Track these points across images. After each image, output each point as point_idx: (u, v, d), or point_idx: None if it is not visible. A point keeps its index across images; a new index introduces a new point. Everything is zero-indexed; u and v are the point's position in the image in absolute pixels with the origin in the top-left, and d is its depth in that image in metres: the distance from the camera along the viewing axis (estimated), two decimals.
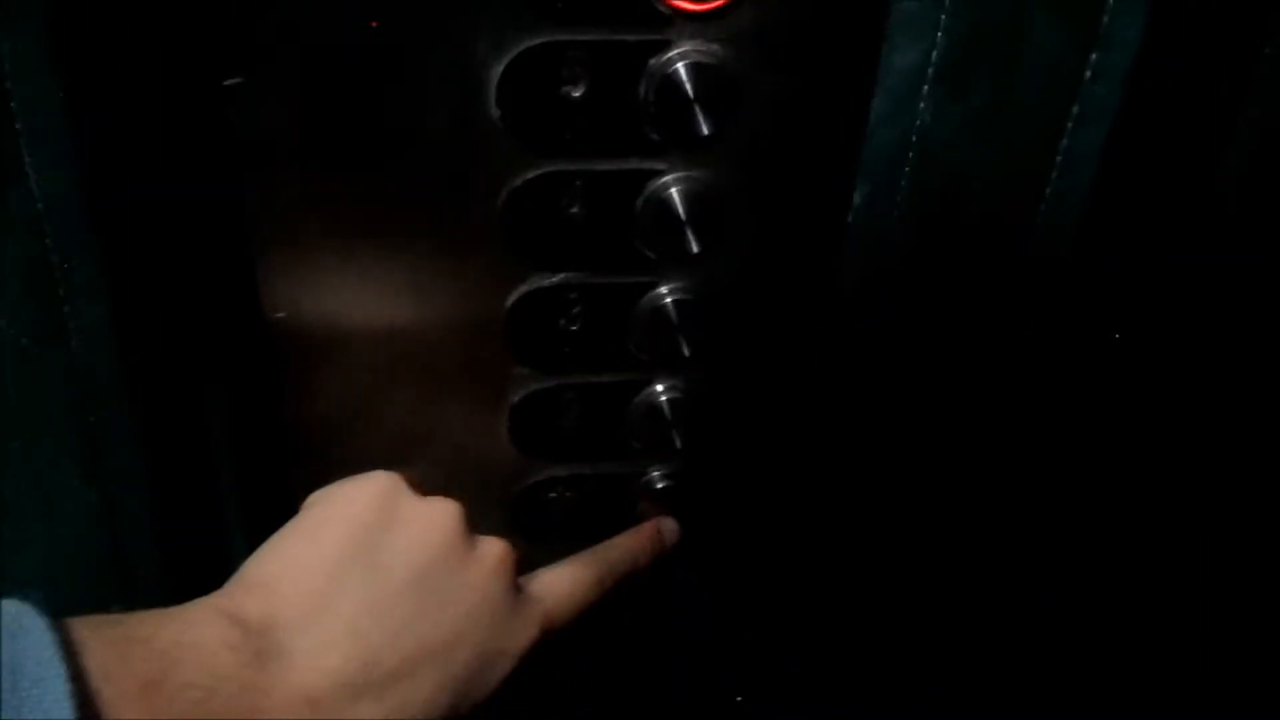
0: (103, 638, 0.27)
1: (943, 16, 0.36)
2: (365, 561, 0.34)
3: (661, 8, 0.35)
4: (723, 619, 0.52)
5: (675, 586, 0.48)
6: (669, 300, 0.41)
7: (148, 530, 0.41)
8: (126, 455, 0.39)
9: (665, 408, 0.44)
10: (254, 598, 0.32)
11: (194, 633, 0.29)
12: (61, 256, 0.35)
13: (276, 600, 0.32)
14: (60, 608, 0.27)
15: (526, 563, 0.47)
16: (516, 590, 0.37)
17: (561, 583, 0.40)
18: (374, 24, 0.34)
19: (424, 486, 0.38)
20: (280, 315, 0.40)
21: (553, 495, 0.46)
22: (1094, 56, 0.37)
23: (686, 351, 0.41)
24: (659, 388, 0.44)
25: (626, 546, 0.44)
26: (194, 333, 0.40)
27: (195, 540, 0.43)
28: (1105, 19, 0.36)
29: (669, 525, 0.46)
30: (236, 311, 0.40)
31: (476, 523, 0.46)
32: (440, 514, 0.36)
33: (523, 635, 0.37)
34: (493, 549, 0.37)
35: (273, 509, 0.44)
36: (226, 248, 0.38)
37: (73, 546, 0.40)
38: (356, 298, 0.40)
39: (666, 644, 0.53)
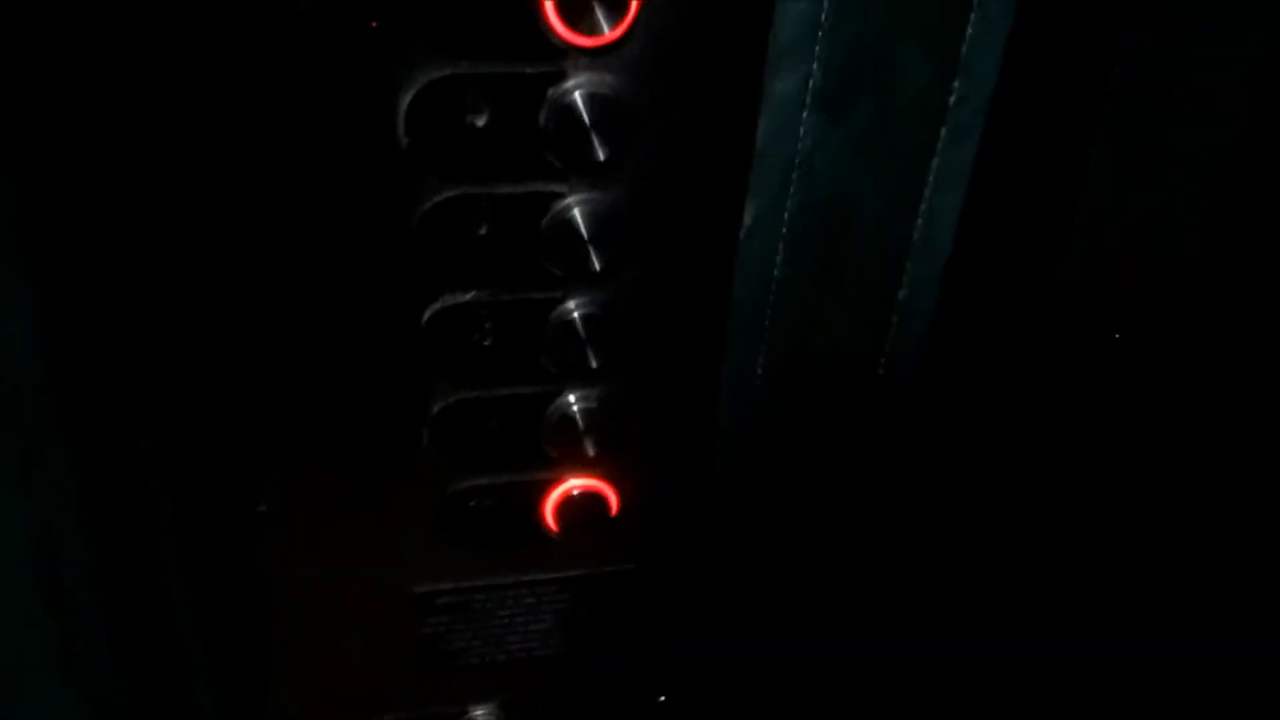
0: None
1: (817, 47, 0.39)
2: None
3: (557, 42, 0.37)
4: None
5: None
6: (576, 315, 0.43)
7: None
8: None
9: (578, 416, 0.46)
10: None
11: None
12: None
13: None
14: None
15: (456, 569, 0.50)
16: None
17: None
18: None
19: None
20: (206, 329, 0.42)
21: (473, 504, 0.49)
22: (957, 83, 0.40)
23: (594, 363, 0.44)
24: (570, 398, 0.46)
25: None
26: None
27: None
28: (964, 49, 0.40)
29: None
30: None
31: (403, 534, 0.49)
32: None
33: None
34: None
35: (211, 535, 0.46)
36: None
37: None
38: (277, 316, 0.42)
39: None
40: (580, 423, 0.46)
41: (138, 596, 0.48)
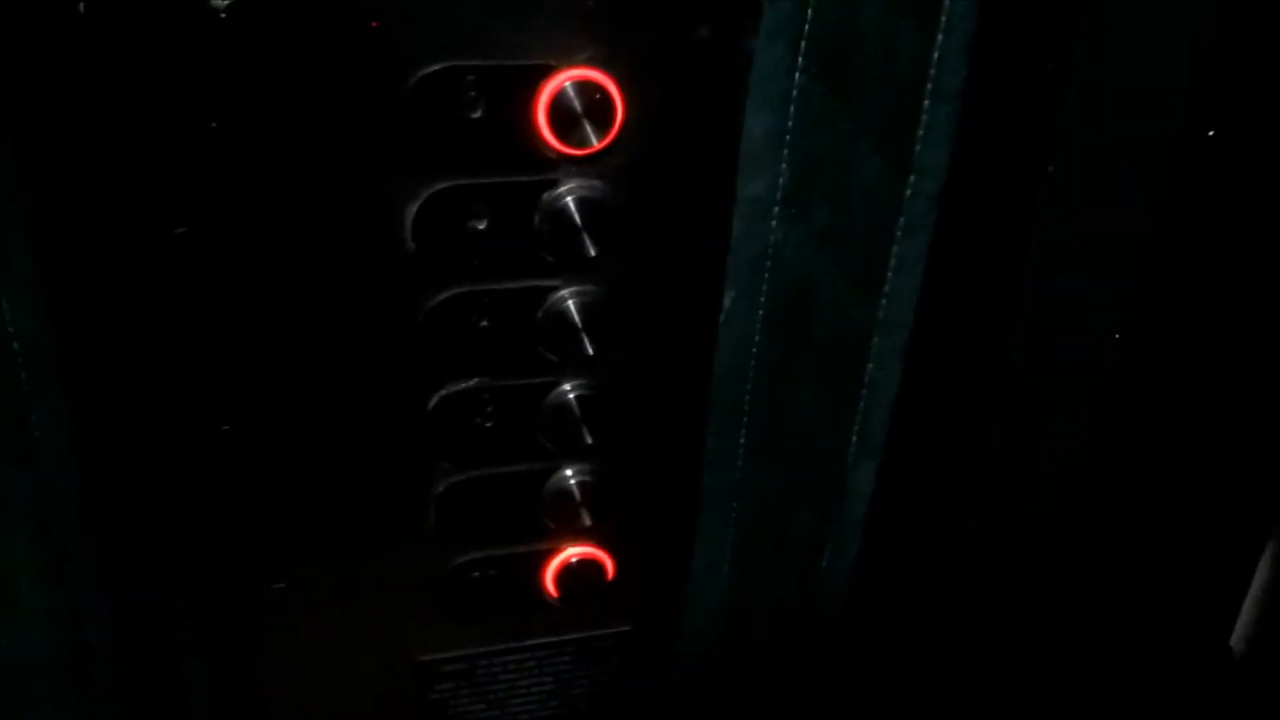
0: None
1: (785, 151, 0.43)
2: None
3: (550, 154, 0.41)
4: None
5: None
6: (571, 396, 0.47)
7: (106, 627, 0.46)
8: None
9: (574, 490, 0.49)
10: None
11: None
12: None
13: None
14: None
15: (460, 637, 0.53)
16: None
17: None
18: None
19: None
20: (226, 428, 0.45)
21: (475, 575, 0.52)
22: (911, 178, 0.45)
23: (589, 440, 0.48)
24: (567, 472, 0.50)
25: None
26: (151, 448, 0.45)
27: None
28: (917, 149, 0.44)
29: None
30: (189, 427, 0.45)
31: (409, 606, 0.52)
32: None
33: None
34: None
35: (224, 610, 0.49)
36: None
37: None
38: (294, 401, 0.45)
39: None
40: (576, 495, 0.50)
41: (155, 672, 0.50)
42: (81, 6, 0.35)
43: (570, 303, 0.45)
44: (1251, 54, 0.46)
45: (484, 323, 0.45)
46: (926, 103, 0.43)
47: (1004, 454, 0.52)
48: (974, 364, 0.49)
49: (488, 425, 0.47)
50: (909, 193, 0.45)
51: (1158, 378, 0.52)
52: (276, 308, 0.43)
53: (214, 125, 0.38)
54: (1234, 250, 0.50)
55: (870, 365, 0.48)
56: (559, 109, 0.40)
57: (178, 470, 0.46)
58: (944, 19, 0.41)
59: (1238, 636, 0.60)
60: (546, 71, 0.40)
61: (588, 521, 0.50)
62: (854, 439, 0.50)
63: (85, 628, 0.47)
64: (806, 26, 0.41)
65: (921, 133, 0.44)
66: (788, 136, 0.43)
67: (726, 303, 0.46)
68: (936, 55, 0.42)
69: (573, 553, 0.52)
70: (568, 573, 0.52)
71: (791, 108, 0.42)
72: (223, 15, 0.37)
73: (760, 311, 0.46)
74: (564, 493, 0.50)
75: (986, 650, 0.58)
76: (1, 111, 0.36)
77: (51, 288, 0.40)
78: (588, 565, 0.52)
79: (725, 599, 0.55)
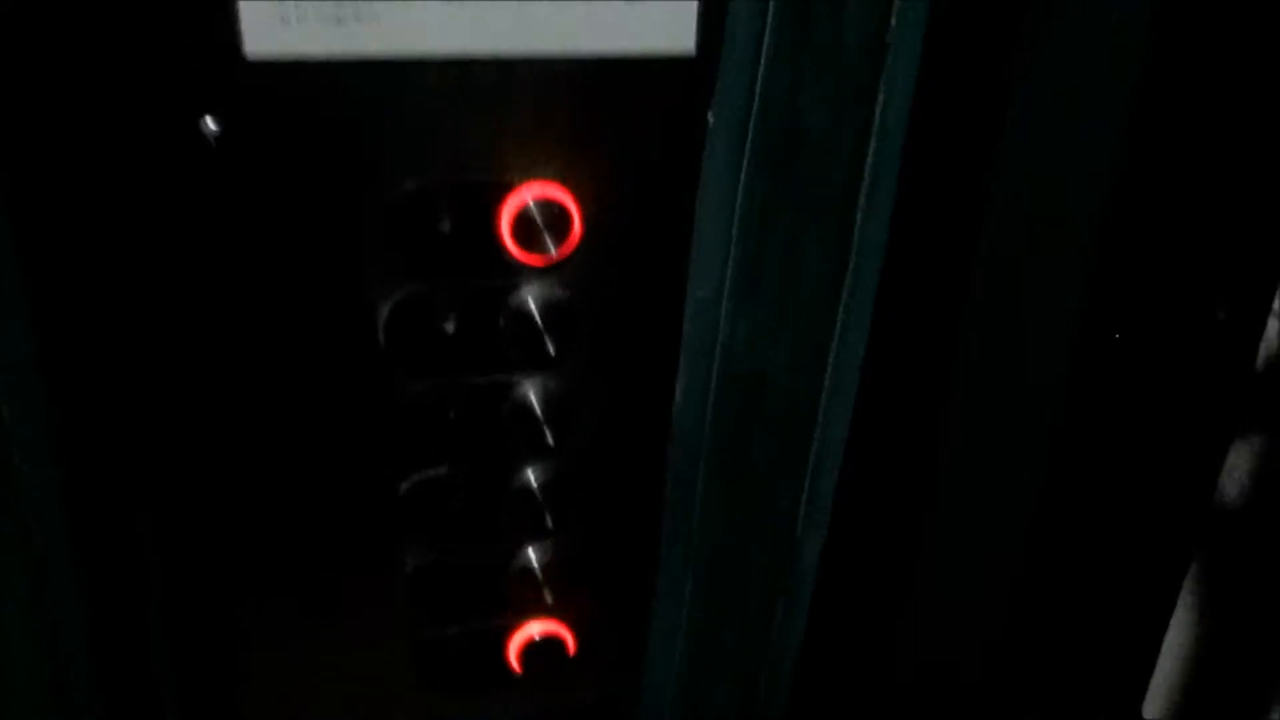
0: None
1: (732, 250, 0.47)
2: None
3: (513, 262, 0.45)
4: None
5: None
6: (534, 482, 0.50)
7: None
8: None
9: (536, 571, 0.52)
10: None
11: None
12: None
13: None
14: None
15: (429, 709, 0.55)
16: None
17: None
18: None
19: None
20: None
21: (443, 649, 0.54)
22: (849, 269, 0.48)
23: (550, 523, 0.50)
24: (530, 553, 0.52)
25: None
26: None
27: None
28: (856, 239, 0.48)
29: None
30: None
31: (377, 678, 0.54)
32: None
33: None
34: None
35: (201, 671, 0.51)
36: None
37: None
38: (271, 482, 0.48)
39: None
40: (539, 575, 0.52)
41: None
42: (79, 132, 0.38)
43: (531, 396, 0.48)
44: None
45: (451, 414, 0.48)
46: (863, 200, 0.47)
47: (944, 534, 0.55)
48: (915, 434, 0.53)
49: (455, 509, 0.50)
50: (850, 279, 0.48)
51: (1078, 484, 0.56)
52: (257, 395, 0.45)
53: (205, 228, 0.41)
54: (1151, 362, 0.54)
55: (816, 439, 0.51)
56: (521, 221, 0.43)
57: (157, 543, 0.48)
58: (878, 124, 0.45)
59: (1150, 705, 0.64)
60: (510, 187, 0.43)
61: (549, 599, 0.53)
62: (801, 513, 0.53)
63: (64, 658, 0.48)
64: (750, 141, 0.45)
65: (859, 225, 0.48)
66: (735, 237, 0.47)
67: (679, 394, 0.49)
68: (870, 159, 0.46)
69: (535, 629, 0.54)
70: (531, 649, 0.54)
71: (737, 213, 0.46)
72: (214, 142, 0.40)
73: (711, 398, 0.49)
74: (527, 573, 0.52)
75: None
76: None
77: (52, 390, 0.42)
78: (549, 642, 0.54)
79: (682, 667, 0.58)
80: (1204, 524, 0.62)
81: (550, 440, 0.48)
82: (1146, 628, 0.62)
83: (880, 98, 0.42)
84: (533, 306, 0.46)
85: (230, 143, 0.40)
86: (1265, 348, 0.55)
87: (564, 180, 0.44)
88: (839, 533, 0.52)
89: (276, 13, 0.38)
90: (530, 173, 0.44)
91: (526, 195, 0.44)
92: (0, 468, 0.42)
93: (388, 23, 0.39)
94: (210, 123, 0.40)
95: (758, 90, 0.44)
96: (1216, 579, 0.65)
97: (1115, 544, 0.59)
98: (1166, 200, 0.50)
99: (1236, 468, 0.61)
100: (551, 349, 0.46)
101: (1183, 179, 0.51)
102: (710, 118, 0.44)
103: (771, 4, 0.43)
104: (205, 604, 0.49)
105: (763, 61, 0.43)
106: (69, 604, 0.47)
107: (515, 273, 0.45)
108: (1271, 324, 0.55)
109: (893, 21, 0.43)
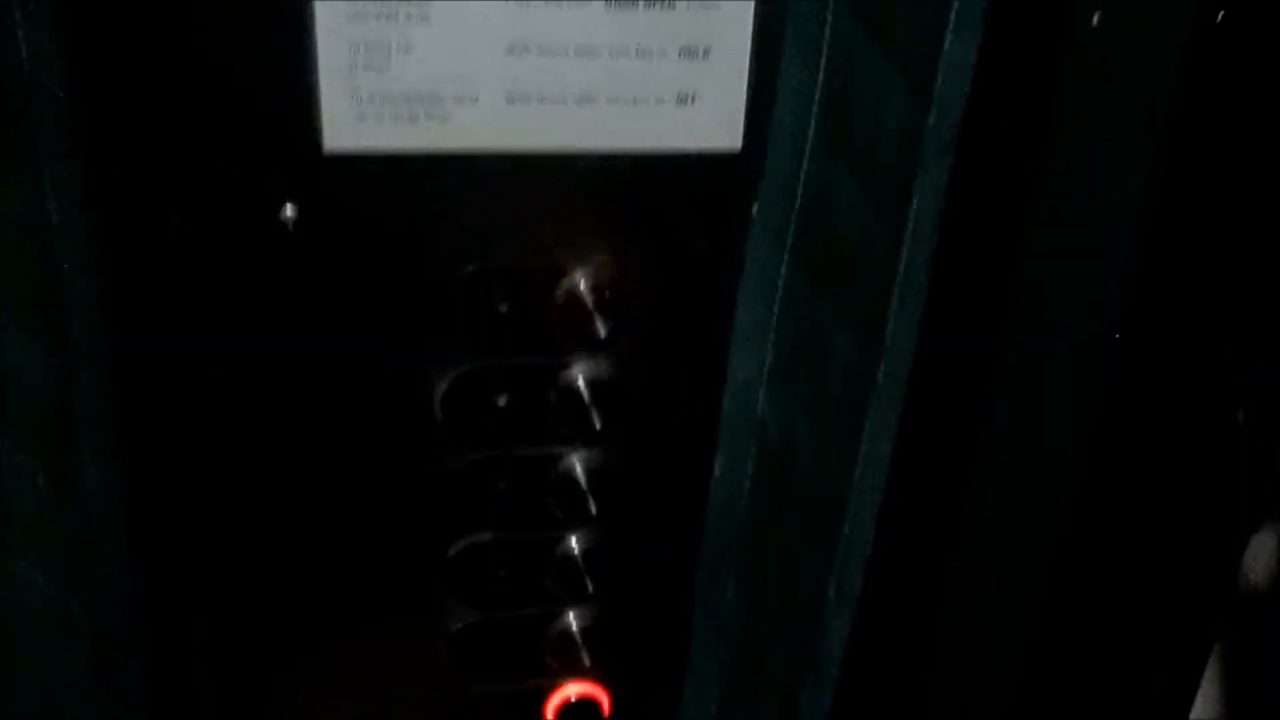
0: None
1: (771, 336, 0.49)
2: None
3: (563, 341, 0.47)
4: None
5: None
6: (577, 550, 0.52)
7: None
8: None
9: (576, 634, 0.54)
10: None
11: None
12: None
13: None
14: None
15: None
16: None
17: None
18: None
19: None
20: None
21: (483, 708, 0.56)
22: (882, 362, 0.51)
23: (590, 588, 0.53)
24: (570, 616, 0.55)
25: None
26: None
27: None
28: (888, 333, 0.50)
29: None
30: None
31: None
32: None
33: None
34: None
35: None
36: None
37: None
38: (330, 544, 0.50)
39: None
40: (578, 638, 0.54)
41: None
42: (173, 221, 0.42)
43: (578, 467, 0.50)
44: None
45: (501, 484, 0.50)
46: (895, 297, 0.49)
47: (961, 616, 0.57)
48: (936, 522, 0.55)
49: (501, 574, 0.52)
50: (880, 372, 0.51)
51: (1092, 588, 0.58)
52: (321, 458, 0.48)
53: (283, 303, 0.44)
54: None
55: (846, 524, 0.53)
56: (573, 305, 0.46)
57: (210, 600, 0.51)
58: (910, 229, 0.48)
59: None
60: (563, 272, 0.46)
61: (587, 661, 0.55)
62: (831, 590, 0.55)
63: None
64: (790, 235, 0.47)
65: (891, 321, 0.50)
66: (774, 324, 0.49)
67: (717, 469, 0.51)
68: (904, 259, 0.48)
69: (573, 689, 0.56)
70: (568, 708, 0.56)
71: (776, 301, 0.49)
72: (292, 226, 0.43)
73: (747, 475, 0.51)
74: (566, 636, 0.54)
75: None
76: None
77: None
78: (586, 702, 0.56)
79: None
80: (1224, 617, 0.63)
81: (593, 509, 0.51)
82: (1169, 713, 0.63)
83: (914, 202, 0.45)
84: (581, 384, 0.48)
85: (307, 227, 0.43)
86: None
87: (614, 266, 0.47)
88: (865, 613, 0.54)
89: (354, 111, 0.42)
90: (583, 259, 0.46)
91: (579, 280, 0.46)
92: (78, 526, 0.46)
93: (456, 121, 0.43)
94: (289, 209, 0.43)
95: (799, 188, 0.46)
96: (1239, 665, 0.65)
97: (1133, 641, 0.60)
98: (1184, 307, 0.52)
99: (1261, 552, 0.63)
100: (597, 424, 0.49)
101: (1200, 285, 0.53)
102: (754, 210, 0.47)
103: (815, 106, 0.45)
104: (251, 659, 0.52)
105: (805, 160, 0.46)
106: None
107: (565, 352, 0.48)
108: None
109: (927, 126, 0.45)
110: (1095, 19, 0.42)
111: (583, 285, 0.46)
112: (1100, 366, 0.54)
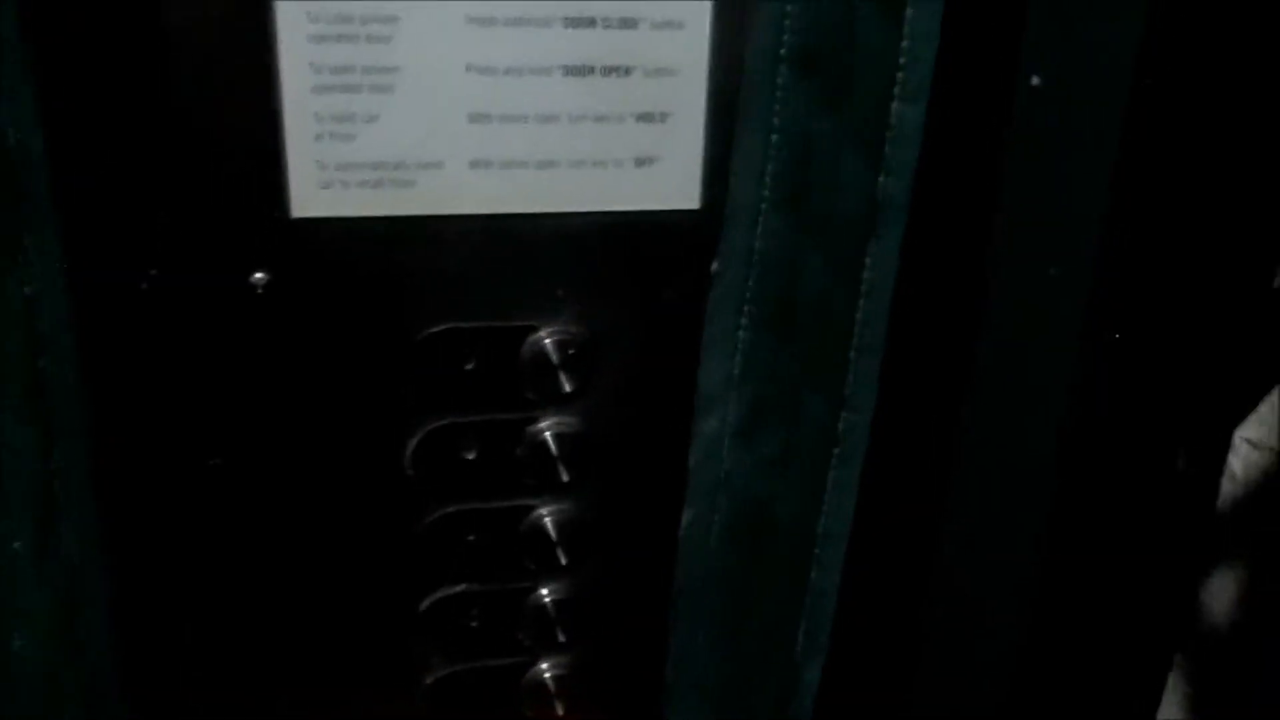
0: None
1: (735, 392, 0.51)
2: None
3: (531, 396, 0.49)
4: None
5: None
6: (548, 601, 0.53)
7: None
8: None
9: (549, 683, 0.55)
10: None
11: None
12: None
13: None
14: None
15: None
16: None
17: None
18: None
19: None
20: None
21: None
22: (843, 415, 0.52)
23: (562, 639, 0.53)
24: (543, 666, 0.55)
25: None
26: None
27: None
28: (848, 389, 0.51)
29: None
30: None
31: None
32: None
33: None
34: None
35: None
36: None
37: None
38: (302, 600, 0.51)
39: None
40: (551, 688, 0.55)
41: None
42: (144, 285, 0.43)
43: (547, 519, 0.51)
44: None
45: (471, 536, 0.51)
46: (854, 352, 0.51)
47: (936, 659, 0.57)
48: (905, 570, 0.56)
49: (473, 625, 0.53)
50: (843, 426, 0.52)
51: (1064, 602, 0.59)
52: (295, 514, 0.49)
53: (252, 364, 0.46)
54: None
55: (813, 573, 0.54)
56: (539, 361, 0.47)
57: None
58: (865, 287, 0.49)
59: None
60: (529, 331, 0.47)
61: (561, 711, 0.55)
62: (801, 638, 0.56)
63: None
64: (749, 291, 0.48)
65: (851, 375, 0.51)
66: (738, 380, 0.50)
67: (685, 521, 0.52)
68: (861, 315, 0.49)
69: None
70: None
71: (739, 357, 0.50)
72: (261, 290, 0.44)
73: (715, 527, 0.52)
74: (540, 685, 0.55)
75: None
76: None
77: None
78: None
79: None
80: (1175, 660, 0.64)
81: (563, 562, 0.51)
82: None
83: (869, 260, 0.46)
84: (549, 438, 0.49)
85: (276, 290, 0.44)
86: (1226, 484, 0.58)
87: (579, 323, 0.48)
88: (837, 653, 0.54)
89: (320, 179, 0.43)
90: (548, 316, 0.48)
91: (544, 337, 0.48)
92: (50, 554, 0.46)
93: (421, 187, 0.44)
94: (259, 274, 0.44)
95: (756, 243, 0.47)
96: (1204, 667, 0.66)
97: (1103, 644, 0.61)
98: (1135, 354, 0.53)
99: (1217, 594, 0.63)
100: (565, 477, 0.50)
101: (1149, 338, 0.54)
102: (714, 266, 0.48)
103: (770, 165, 0.47)
104: (231, 715, 0.53)
105: (761, 217, 0.47)
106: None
107: (533, 406, 0.49)
108: (1232, 461, 0.57)
109: (880, 187, 0.47)
110: (1035, 80, 0.44)
111: (548, 342, 0.48)
112: (1056, 430, 0.55)
